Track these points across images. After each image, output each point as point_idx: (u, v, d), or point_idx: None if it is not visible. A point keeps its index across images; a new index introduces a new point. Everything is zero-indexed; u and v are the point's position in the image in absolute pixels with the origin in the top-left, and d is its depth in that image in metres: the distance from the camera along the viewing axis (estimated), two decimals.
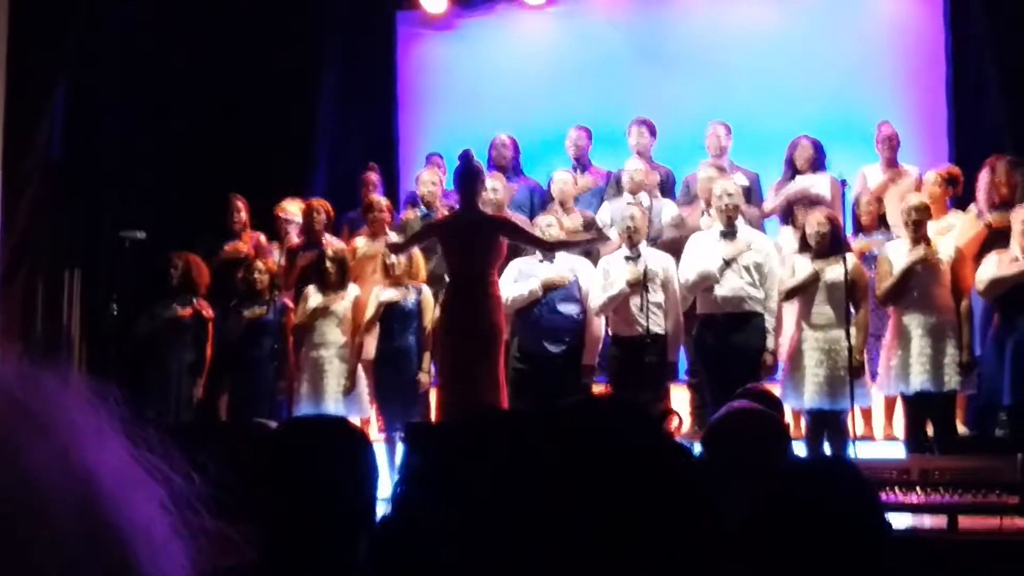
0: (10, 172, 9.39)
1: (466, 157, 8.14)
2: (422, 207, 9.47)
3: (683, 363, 8.51)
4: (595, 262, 8.63)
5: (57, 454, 0.79)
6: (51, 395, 0.82)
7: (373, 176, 10.02)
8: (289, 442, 2.40)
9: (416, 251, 8.63)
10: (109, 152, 10.11)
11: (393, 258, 8.53)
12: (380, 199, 9.46)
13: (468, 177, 8.07)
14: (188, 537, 0.85)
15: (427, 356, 8.49)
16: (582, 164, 9.90)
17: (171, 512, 0.85)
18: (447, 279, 8.22)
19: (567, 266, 8.49)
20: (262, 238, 9.73)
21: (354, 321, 8.72)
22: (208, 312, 9.01)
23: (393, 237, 9.02)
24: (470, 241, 7.92)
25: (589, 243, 8.59)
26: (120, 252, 8.82)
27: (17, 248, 9.54)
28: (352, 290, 8.80)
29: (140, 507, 0.82)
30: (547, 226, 8.50)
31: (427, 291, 8.61)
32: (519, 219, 8.53)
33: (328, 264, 8.75)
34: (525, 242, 8.26)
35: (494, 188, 9.00)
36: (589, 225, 9.12)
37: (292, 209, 9.70)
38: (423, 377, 8.47)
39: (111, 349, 8.76)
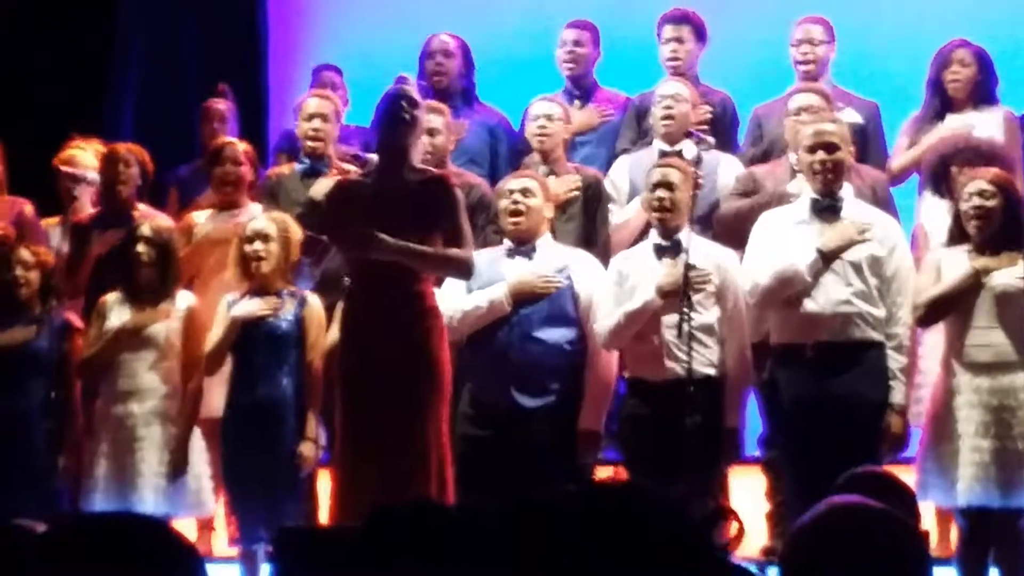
0: None
1: (400, 83, 6.54)
2: (303, 158, 7.44)
3: (756, 427, 6.78)
4: (604, 258, 6.78)
5: None
6: None
7: (221, 105, 8.16)
8: (61, 559, 1.93)
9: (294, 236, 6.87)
10: None
11: (258, 244, 6.57)
12: (234, 142, 7.56)
13: (398, 117, 6.41)
14: None
15: (311, 412, 6.64)
16: (582, 87, 7.87)
17: None
18: (348, 282, 6.50)
19: (554, 262, 6.60)
20: (27, 208, 7.70)
21: (186, 353, 6.89)
22: None
23: (257, 209, 7.11)
24: (394, 220, 6.22)
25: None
26: None
27: None
28: (184, 298, 6.95)
29: None
30: (522, 192, 6.60)
31: (314, 301, 6.71)
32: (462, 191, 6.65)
33: (142, 252, 6.80)
34: (447, 235, 6.44)
35: (431, 128, 7.08)
36: (592, 190, 7.15)
37: (84, 160, 7.77)
38: (305, 449, 6.61)
39: None
